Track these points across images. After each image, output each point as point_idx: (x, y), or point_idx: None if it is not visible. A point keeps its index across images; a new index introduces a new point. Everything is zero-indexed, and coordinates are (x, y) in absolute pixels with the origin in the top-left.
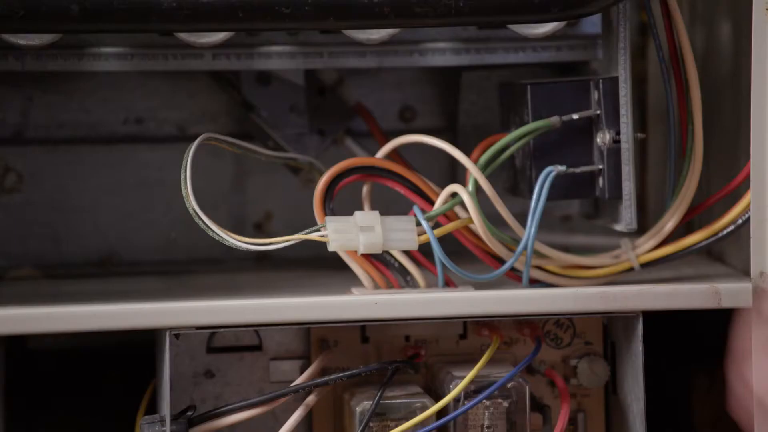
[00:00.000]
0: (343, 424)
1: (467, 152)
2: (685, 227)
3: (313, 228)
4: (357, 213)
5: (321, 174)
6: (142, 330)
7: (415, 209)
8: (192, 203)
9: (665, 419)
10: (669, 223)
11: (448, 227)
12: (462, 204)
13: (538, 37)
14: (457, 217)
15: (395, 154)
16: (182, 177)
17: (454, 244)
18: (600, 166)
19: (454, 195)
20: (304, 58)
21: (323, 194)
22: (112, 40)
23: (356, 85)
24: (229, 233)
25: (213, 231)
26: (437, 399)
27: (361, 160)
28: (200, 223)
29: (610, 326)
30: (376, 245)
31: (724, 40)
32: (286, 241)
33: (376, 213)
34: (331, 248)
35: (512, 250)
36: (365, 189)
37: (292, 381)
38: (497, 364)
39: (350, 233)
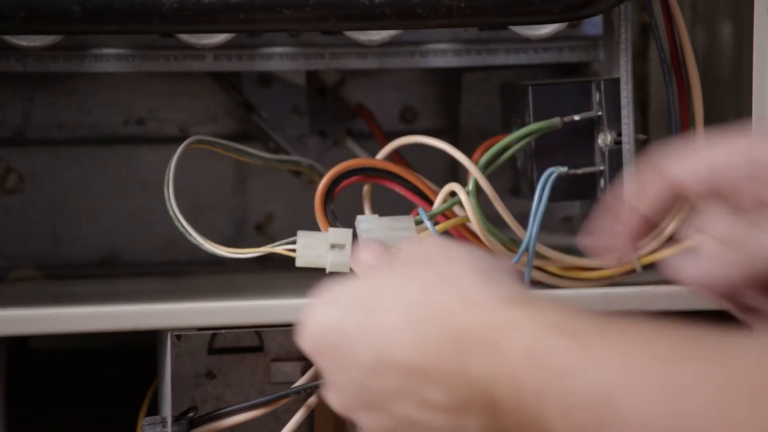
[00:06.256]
0: (344, 425)
1: (468, 153)
2: None
3: (287, 240)
4: (331, 229)
5: (321, 176)
6: (143, 331)
7: (420, 210)
8: (173, 206)
9: None
10: (671, 224)
11: (446, 225)
12: (460, 203)
13: (539, 39)
14: (455, 216)
15: (396, 155)
16: (165, 178)
17: None
18: (601, 168)
19: (453, 194)
20: (305, 59)
21: (323, 196)
22: (114, 41)
23: (357, 86)
24: (207, 240)
25: (191, 235)
26: None
27: (360, 161)
28: (180, 226)
29: None
30: (344, 264)
31: (726, 41)
32: (256, 252)
33: (349, 231)
34: (297, 264)
35: (510, 250)
36: (365, 190)
37: (294, 382)
38: None
39: (319, 250)
